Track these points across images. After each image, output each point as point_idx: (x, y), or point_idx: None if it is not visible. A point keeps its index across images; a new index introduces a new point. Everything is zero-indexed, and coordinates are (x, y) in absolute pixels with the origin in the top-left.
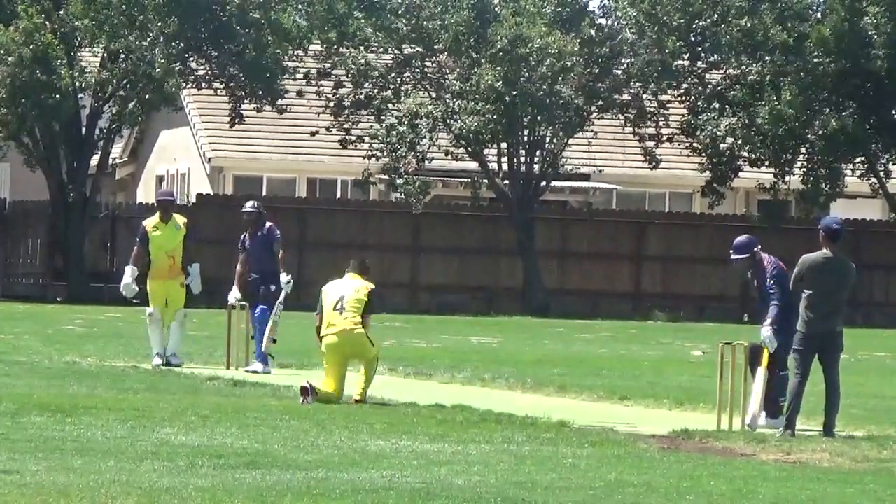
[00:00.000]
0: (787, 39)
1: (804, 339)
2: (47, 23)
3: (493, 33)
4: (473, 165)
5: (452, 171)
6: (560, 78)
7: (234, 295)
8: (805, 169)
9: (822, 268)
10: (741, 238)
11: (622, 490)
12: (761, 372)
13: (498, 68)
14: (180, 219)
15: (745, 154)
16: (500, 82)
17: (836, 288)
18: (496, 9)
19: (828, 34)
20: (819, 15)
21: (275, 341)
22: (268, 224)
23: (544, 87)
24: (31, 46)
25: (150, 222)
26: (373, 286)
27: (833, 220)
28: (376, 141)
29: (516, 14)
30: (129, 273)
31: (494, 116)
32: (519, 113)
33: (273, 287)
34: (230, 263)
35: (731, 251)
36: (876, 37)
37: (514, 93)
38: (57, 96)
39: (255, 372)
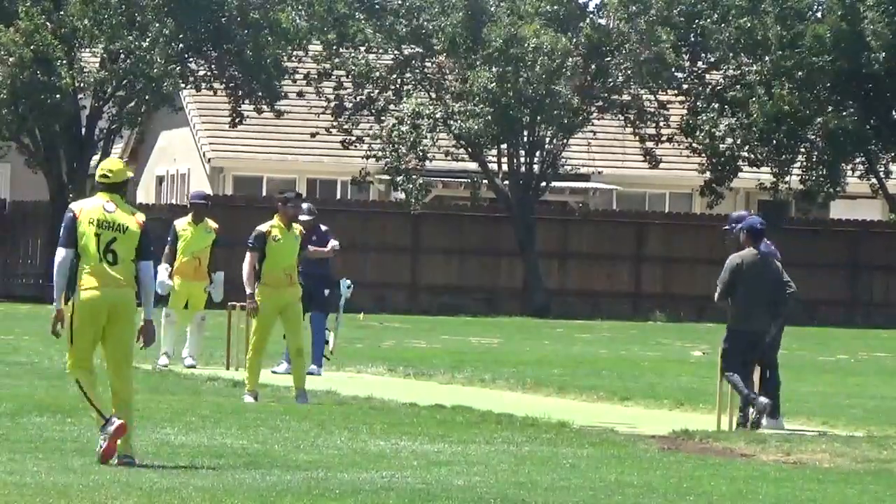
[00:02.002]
0: (783, 36)
1: (736, 337)
2: (48, 23)
3: (488, 33)
4: (473, 166)
5: (453, 171)
6: (555, 77)
7: None
8: (804, 169)
9: (753, 267)
10: (740, 212)
11: (622, 491)
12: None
13: (493, 69)
14: (212, 223)
15: (745, 154)
16: (494, 83)
17: (766, 286)
18: (491, 9)
19: (825, 33)
20: (819, 14)
21: (326, 342)
22: (323, 227)
23: (540, 86)
24: (31, 47)
25: (182, 222)
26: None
27: (757, 220)
28: (378, 142)
29: (512, 13)
30: (163, 270)
31: (491, 118)
32: (514, 113)
33: (327, 291)
34: (231, 264)
35: (728, 225)
36: (873, 40)
37: (510, 93)
38: (57, 97)
39: (311, 374)
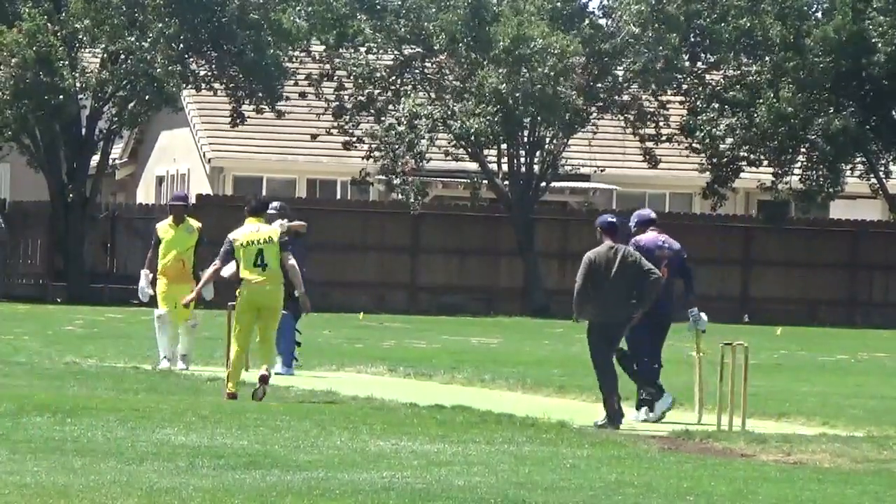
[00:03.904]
0: (787, 37)
1: (596, 329)
2: (49, 24)
3: (495, 33)
4: (473, 166)
5: (452, 171)
6: (561, 78)
7: None
8: (805, 169)
9: (609, 260)
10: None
11: (622, 491)
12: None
13: (500, 70)
14: (194, 223)
15: (745, 154)
16: (504, 84)
17: (622, 279)
18: (494, 7)
19: (831, 34)
20: (819, 14)
21: (299, 344)
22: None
23: (547, 87)
24: (34, 48)
25: (163, 224)
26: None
27: (608, 216)
28: (375, 141)
29: (516, 13)
30: (144, 277)
31: (497, 119)
32: (520, 113)
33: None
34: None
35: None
36: (879, 42)
37: (517, 94)
38: (60, 97)
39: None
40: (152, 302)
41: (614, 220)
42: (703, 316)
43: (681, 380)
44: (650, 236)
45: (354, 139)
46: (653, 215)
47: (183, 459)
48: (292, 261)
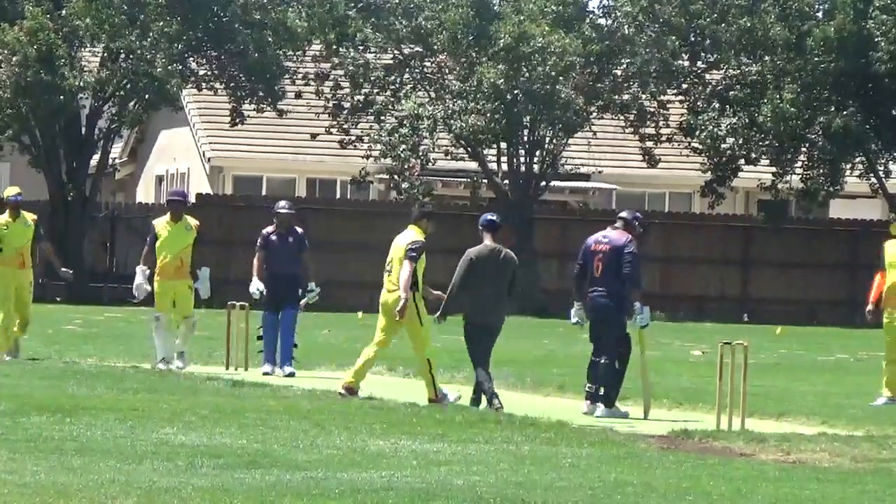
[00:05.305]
0: (788, 37)
1: (474, 330)
2: (50, 23)
3: (497, 31)
4: (473, 165)
5: (452, 171)
6: (561, 78)
7: (255, 286)
8: (805, 168)
9: (489, 259)
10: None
11: (622, 490)
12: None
13: (500, 67)
14: (192, 221)
15: (745, 153)
16: (502, 80)
17: (500, 279)
18: (496, 7)
19: (832, 34)
20: (820, 14)
21: (296, 345)
22: (299, 229)
23: (546, 86)
24: (35, 46)
25: (161, 221)
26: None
27: (489, 214)
28: (378, 144)
29: (518, 12)
30: (141, 273)
31: (496, 116)
32: (519, 111)
33: (300, 291)
34: (230, 263)
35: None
36: (883, 43)
37: (516, 91)
38: (60, 97)
39: (269, 374)
40: (150, 300)
41: (495, 217)
42: (646, 310)
43: (682, 380)
44: (598, 233)
45: (353, 138)
46: (622, 214)
47: (182, 459)
48: (404, 270)
